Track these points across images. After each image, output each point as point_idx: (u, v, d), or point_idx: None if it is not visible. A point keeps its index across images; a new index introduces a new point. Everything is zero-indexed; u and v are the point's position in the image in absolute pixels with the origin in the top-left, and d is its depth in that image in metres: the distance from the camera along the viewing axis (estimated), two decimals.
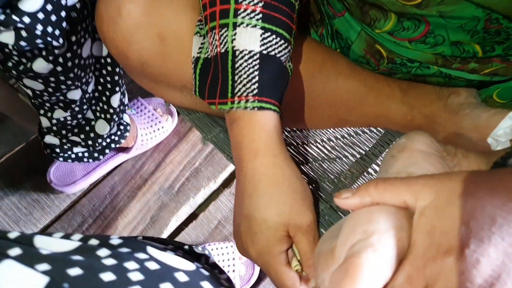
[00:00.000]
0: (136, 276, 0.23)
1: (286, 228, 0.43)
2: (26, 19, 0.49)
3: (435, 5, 0.45)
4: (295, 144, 0.59)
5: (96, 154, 0.88)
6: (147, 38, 0.50)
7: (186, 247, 0.39)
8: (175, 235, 0.99)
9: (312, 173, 0.56)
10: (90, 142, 0.81)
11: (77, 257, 0.23)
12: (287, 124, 0.62)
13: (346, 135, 0.60)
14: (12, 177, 1.05)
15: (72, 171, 0.99)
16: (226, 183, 1.04)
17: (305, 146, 0.59)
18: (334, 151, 0.58)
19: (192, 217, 1.01)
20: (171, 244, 0.38)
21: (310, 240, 0.43)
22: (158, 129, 1.02)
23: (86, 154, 0.87)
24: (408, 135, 0.40)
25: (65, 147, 0.84)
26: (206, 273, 0.29)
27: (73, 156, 0.86)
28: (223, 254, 0.88)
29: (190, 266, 0.28)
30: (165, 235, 0.99)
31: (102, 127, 0.80)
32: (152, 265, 0.25)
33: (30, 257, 0.22)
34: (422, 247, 0.26)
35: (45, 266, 0.21)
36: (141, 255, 0.26)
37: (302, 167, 0.56)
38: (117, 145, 0.89)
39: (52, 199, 1.03)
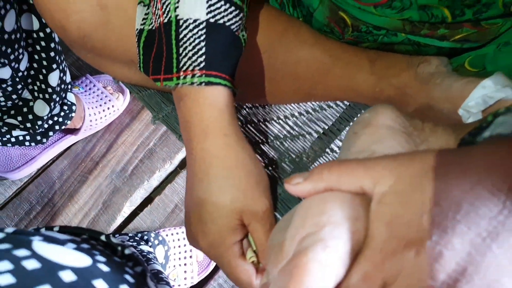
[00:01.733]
0: (5, 279, 0.20)
1: (240, 216, 0.39)
2: None
3: None
4: (255, 121, 0.55)
5: (38, 137, 0.79)
6: (87, 7, 0.44)
7: (103, 237, 0.34)
8: (129, 220, 0.93)
9: (272, 153, 0.52)
10: (29, 125, 0.73)
11: None
12: (246, 99, 0.57)
13: (310, 110, 0.56)
14: None
15: (15, 156, 0.90)
16: (183, 164, 0.97)
17: (266, 123, 0.54)
18: (296, 128, 0.54)
19: (147, 201, 0.95)
20: (88, 234, 0.34)
21: (266, 229, 0.39)
22: (108, 108, 0.94)
23: (27, 138, 0.78)
24: (372, 109, 0.36)
25: (3, 130, 0.74)
26: (106, 269, 0.25)
27: (12, 140, 0.77)
28: (179, 240, 0.83)
29: (85, 262, 0.24)
30: (118, 221, 0.92)
31: (41, 108, 0.72)
32: (31, 264, 0.21)
33: None
34: (380, 240, 0.22)
35: None
36: (22, 252, 0.22)
37: (262, 146, 0.52)
38: (63, 127, 0.81)
39: None
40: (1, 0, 0.50)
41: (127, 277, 0.28)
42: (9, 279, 0.20)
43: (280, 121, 0.54)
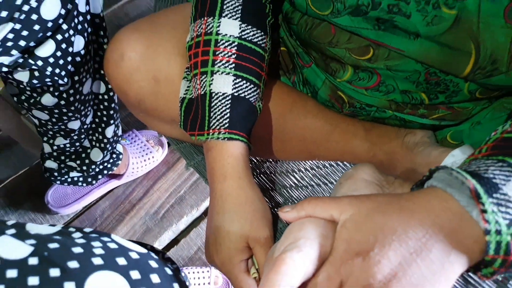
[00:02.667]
0: (98, 251, 0.31)
1: (246, 240, 0.49)
2: (39, 62, 0.56)
3: (382, 60, 0.54)
4: (268, 172, 0.67)
5: (89, 179, 0.94)
6: (144, 79, 0.58)
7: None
8: None
9: (278, 198, 0.63)
10: (85, 168, 0.87)
11: (56, 237, 0.31)
12: (262, 155, 0.69)
13: (315, 167, 0.68)
14: (14, 198, 1.10)
15: (67, 194, 1.04)
16: (208, 212, 1.10)
17: (276, 175, 0.66)
18: (302, 180, 0.66)
19: (174, 242, 1.05)
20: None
21: (267, 252, 0.49)
22: (149, 159, 1.09)
23: (81, 179, 0.93)
24: (356, 166, 0.48)
25: (63, 171, 0.89)
26: (155, 256, 0.36)
27: (69, 180, 0.92)
28: (199, 278, 0.92)
29: (143, 250, 0.35)
30: None
31: (96, 155, 0.86)
32: (112, 245, 0.32)
33: (22, 235, 0.29)
34: (340, 251, 0.32)
35: (32, 241, 0.28)
36: (105, 238, 0.33)
37: (271, 192, 0.63)
38: (110, 172, 0.96)
39: (48, 219, 1.07)
40: (84, 71, 0.66)
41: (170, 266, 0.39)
42: (101, 251, 0.30)
43: (288, 174, 0.66)
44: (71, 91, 0.66)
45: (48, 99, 0.65)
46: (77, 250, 0.30)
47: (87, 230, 0.35)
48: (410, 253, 0.31)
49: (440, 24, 0.48)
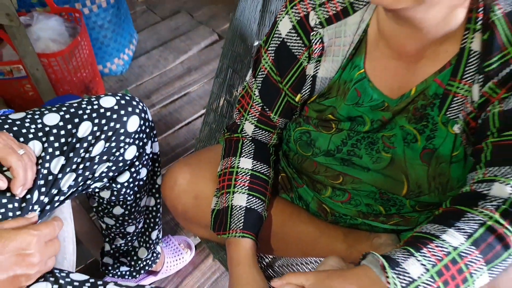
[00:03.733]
0: None
1: None
2: (118, 186, 0.84)
3: (349, 184, 0.78)
4: (271, 264, 0.88)
5: (134, 273, 1.14)
6: (189, 197, 0.83)
7: None
8: None
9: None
10: (133, 263, 1.09)
11: None
12: (267, 251, 0.92)
13: (308, 262, 0.89)
14: None
15: None
16: None
17: (277, 265, 0.87)
18: (295, 269, 0.87)
19: None
20: None
21: None
22: (180, 259, 1.30)
23: (127, 273, 1.13)
24: (327, 257, 0.71)
25: (115, 266, 1.10)
26: None
27: (119, 273, 1.13)
28: None
29: None
30: None
31: (142, 253, 1.09)
32: None
33: None
34: None
35: None
36: None
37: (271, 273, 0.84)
38: (149, 268, 1.18)
39: None
40: (144, 191, 0.94)
41: None
42: None
43: (288, 267, 0.87)
44: (133, 204, 0.92)
45: (117, 210, 0.92)
46: None
47: None
48: None
49: (381, 162, 0.73)
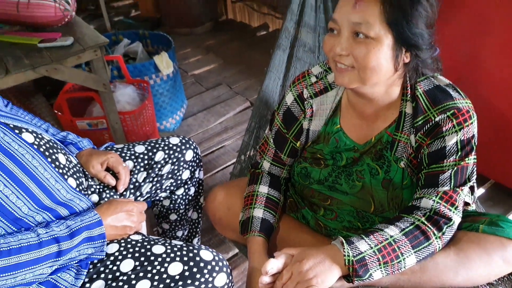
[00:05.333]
0: None
1: None
2: (176, 197, 1.20)
3: (335, 205, 1.09)
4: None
5: None
6: (224, 209, 1.15)
7: None
8: None
9: None
10: None
11: None
12: (275, 251, 1.20)
13: None
14: None
15: None
16: None
17: None
18: None
19: None
20: None
21: None
22: None
23: None
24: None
25: None
26: None
27: None
28: None
29: None
30: None
31: None
32: None
33: None
34: (292, 262, 0.86)
35: None
36: None
37: None
38: None
39: None
40: (191, 205, 1.28)
41: None
42: None
43: None
44: (184, 213, 1.26)
45: (172, 217, 1.26)
46: None
47: None
48: (316, 262, 0.83)
49: (355, 188, 1.05)
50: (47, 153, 0.87)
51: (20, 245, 0.74)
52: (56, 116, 1.90)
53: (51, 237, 0.77)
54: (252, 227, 1.07)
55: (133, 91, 1.94)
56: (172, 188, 1.17)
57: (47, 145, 0.89)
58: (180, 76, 2.34)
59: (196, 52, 3.17)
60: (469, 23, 1.51)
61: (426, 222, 0.88)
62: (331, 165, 1.05)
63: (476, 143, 0.91)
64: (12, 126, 0.85)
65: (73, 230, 0.80)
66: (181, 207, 1.23)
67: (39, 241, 0.76)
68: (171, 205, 1.22)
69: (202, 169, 1.27)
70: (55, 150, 0.90)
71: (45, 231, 0.78)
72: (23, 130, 0.87)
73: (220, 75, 2.86)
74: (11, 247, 0.73)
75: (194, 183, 1.22)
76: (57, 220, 0.82)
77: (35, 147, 0.85)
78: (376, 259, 0.84)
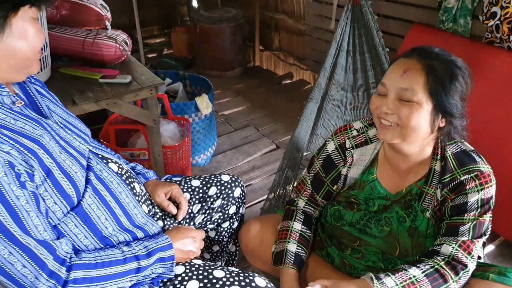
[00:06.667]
0: None
1: None
2: (221, 229, 1.32)
3: (363, 246, 1.19)
4: None
5: None
6: (256, 241, 1.25)
7: None
8: None
9: None
10: None
11: None
12: (301, 283, 1.30)
13: None
14: None
15: None
16: None
17: None
18: None
19: None
20: None
21: None
22: None
23: None
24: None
25: None
26: None
27: None
28: None
29: None
30: None
31: None
32: None
33: None
34: None
35: None
36: None
37: None
38: None
39: None
40: (231, 239, 1.39)
41: None
42: None
43: None
44: (225, 245, 1.37)
45: (215, 248, 1.36)
46: None
47: None
48: None
49: (383, 233, 1.15)
50: (127, 181, 1.01)
51: (110, 259, 0.85)
52: (102, 144, 2.06)
53: (133, 254, 0.89)
54: (286, 260, 1.17)
55: (174, 127, 2.10)
56: (219, 221, 1.29)
57: (127, 174, 1.03)
58: (214, 116, 2.51)
59: (226, 94, 3.37)
60: (487, 94, 1.67)
61: (444, 267, 0.99)
62: (363, 209, 1.16)
63: (494, 204, 1.02)
64: (101, 156, 0.99)
65: (150, 250, 0.92)
66: (225, 239, 1.34)
67: (123, 257, 0.87)
68: (216, 237, 1.33)
69: (244, 206, 1.39)
70: (132, 179, 1.04)
71: (128, 249, 0.90)
72: (109, 160, 1.00)
73: (248, 117, 3.03)
74: (103, 260, 0.84)
75: (237, 218, 1.34)
76: (136, 241, 0.95)
77: (119, 175, 0.99)
78: None
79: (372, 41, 1.70)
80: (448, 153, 1.04)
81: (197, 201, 1.22)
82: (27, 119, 0.82)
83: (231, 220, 1.32)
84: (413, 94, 0.95)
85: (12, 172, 0.74)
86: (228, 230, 1.34)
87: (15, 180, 0.74)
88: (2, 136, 0.75)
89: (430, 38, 1.89)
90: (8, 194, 0.73)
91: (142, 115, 1.74)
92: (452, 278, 0.97)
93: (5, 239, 0.72)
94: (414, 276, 0.97)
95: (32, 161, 0.77)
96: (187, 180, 1.25)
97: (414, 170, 1.09)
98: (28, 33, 0.81)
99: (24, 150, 0.77)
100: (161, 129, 2.02)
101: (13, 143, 0.76)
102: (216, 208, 1.25)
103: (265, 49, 3.95)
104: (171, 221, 1.15)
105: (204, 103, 2.19)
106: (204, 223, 1.25)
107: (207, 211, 1.24)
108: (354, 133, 1.18)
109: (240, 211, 1.35)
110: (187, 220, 1.20)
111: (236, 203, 1.30)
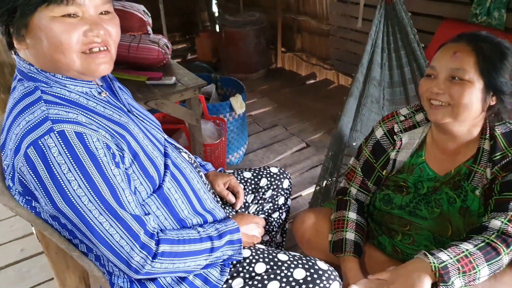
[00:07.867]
0: None
1: None
2: (271, 219, 1.37)
3: (414, 230, 1.22)
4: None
5: None
6: (312, 231, 1.30)
7: None
8: None
9: None
10: None
11: None
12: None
13: None
14: None
15: None
16: None
17: None
18: None
19: None
20: None
21: None
22: None
23: None
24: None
25: None
26: None
27: None
28: None
29: None
30: None
31: None
32: None
33: None
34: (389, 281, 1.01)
35: None
36: None
37: None
38: None
39: None
40: (278, 230, 1.44)
41: None
42: None
43: None
44: (274, 235, 1.42)
45: (265, 238, 1.41)
46: None
47: None
48: (408, 275, 0.98)
49: (434, 214, 1.19)
50: (197, 170, 1.07)
51: (189, 238, 0.92)
52: None
53: (207, 235, 0.95)
54: (346, 248, 1.22)
55: (212, 126, 2.17)
56: (269, 211, 1.35)
57: (195, 163, 1.09)
58: (246, 117, 2.58)
59: (252, 96, 3.44)
60: None
61: (495, 240, 1.02)
62: (412, 192, 1.21)
63: None
64: (175, 145, 1.06)
65: (220, 232, 0.98)
66: (274, 229, 1.40)
67: (199, 237, 0.94)
68: (266, 227, 1.39)
69: (291, 198, 1.45)
70: (199, 169, 1.10)
71: (202, 229, 0.96)
72: (181, 149, 1.08)
73: (275, 117, 3.09)
74: (184, 238, 0.91)
75: (285, 209, 1.40)
76: (208, 223, 1.01)
77: (190, 163, 1.06)
78: (456, 268, 0.97)
79: (407, 38, 1.74)
80: (497, 133, 1.09)
81: (250, 192, 1.28)
82: (113, 107, 0.90)
83: (280, 211, 1.38)
84: (464, 73, 1.00)
85: (110, 152, 0.81)
86: (278, 220, 1.40)
87: (112, 160, 0.81)
88: (98, 122, 0.82)
89: (461, 32, 1.92)
90: (108, 172, 0.80)
91: (187, 114, 1.81)
92: (504, 251, 1.00)
93: (107, 212, 0.79)
94: (467, 250, 1.00)
95: (122, 144, 0.84)
96: (239, 172, 1.31)
97: (463, 150, 1.13)
98: (50, 33, 0.77)
99: (115, 134, 0.84)
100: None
101: (107, 127, 0.83)
102: (267, 198, 1.31)
103: (287, 50, 4.02)
104: (229, 210, 1.22)
105: (238, 103, 2.26)
106: (256, 212, 1.31)
107: (259, 201, 1.30)
108: (402, 118, 1.23)
109: (288, 203, 1.40)
110: (242, 209, 1.26)
111: (285, 194, 1.35)
